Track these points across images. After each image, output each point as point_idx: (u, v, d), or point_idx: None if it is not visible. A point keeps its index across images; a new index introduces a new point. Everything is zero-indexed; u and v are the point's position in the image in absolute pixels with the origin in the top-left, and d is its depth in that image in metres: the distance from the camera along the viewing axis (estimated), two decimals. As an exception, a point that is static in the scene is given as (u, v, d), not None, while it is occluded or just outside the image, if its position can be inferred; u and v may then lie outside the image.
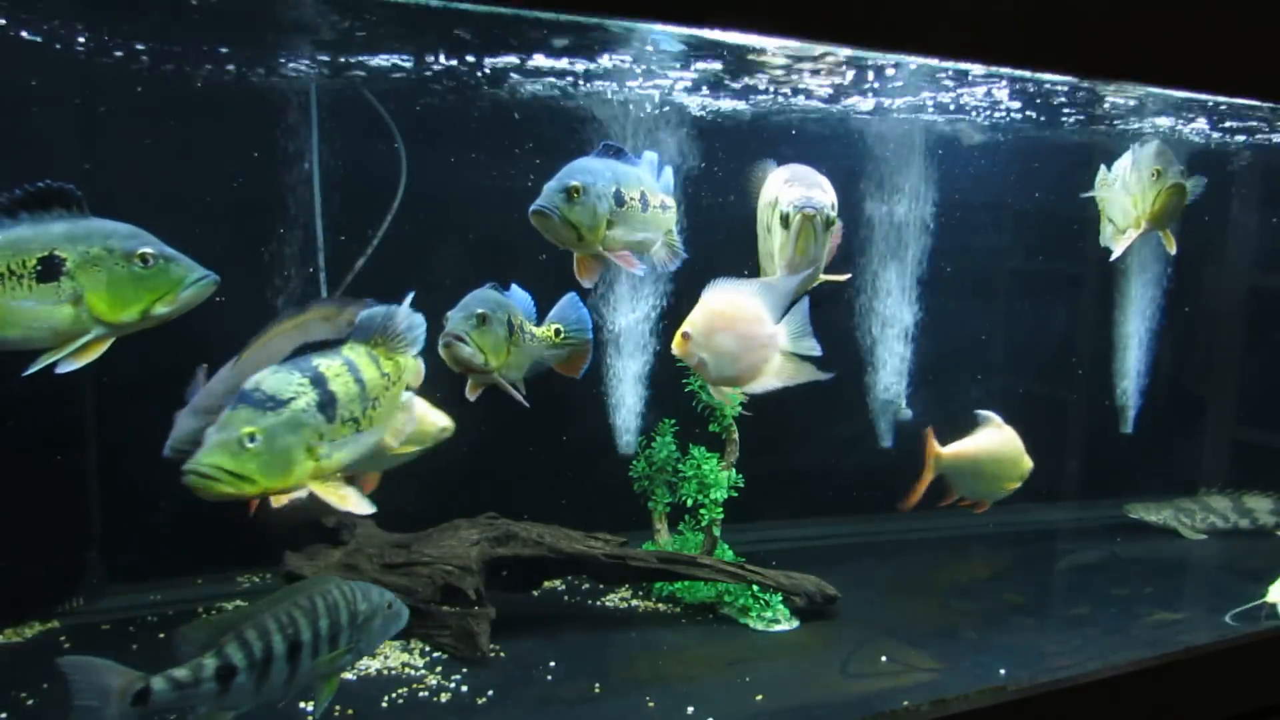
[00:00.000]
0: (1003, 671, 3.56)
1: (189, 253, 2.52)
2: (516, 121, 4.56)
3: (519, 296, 3.42)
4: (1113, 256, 4.50)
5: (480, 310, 3.15)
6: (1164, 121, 5.17)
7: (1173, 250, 4.29)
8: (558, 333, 3.48)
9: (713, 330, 3.25)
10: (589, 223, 3.08)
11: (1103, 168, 4.38)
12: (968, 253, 5.59)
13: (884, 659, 3.72)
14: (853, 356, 5.26)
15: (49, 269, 2.35)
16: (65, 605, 3.93)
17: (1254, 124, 5.27)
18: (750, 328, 3.26)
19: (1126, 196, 4.30)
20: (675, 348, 3.30)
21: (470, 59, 3.93)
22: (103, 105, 3.99)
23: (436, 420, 3.58)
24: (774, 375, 3.29)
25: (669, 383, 4.33)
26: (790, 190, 3.38)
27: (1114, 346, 5.87)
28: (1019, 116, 5.08)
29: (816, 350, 3.30)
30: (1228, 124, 5.20)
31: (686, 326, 3.27)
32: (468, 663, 3.59)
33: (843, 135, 5.11)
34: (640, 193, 3.25)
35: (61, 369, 2.38)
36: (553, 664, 3.61)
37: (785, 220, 3.32)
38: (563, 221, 3.02)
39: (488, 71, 4.07)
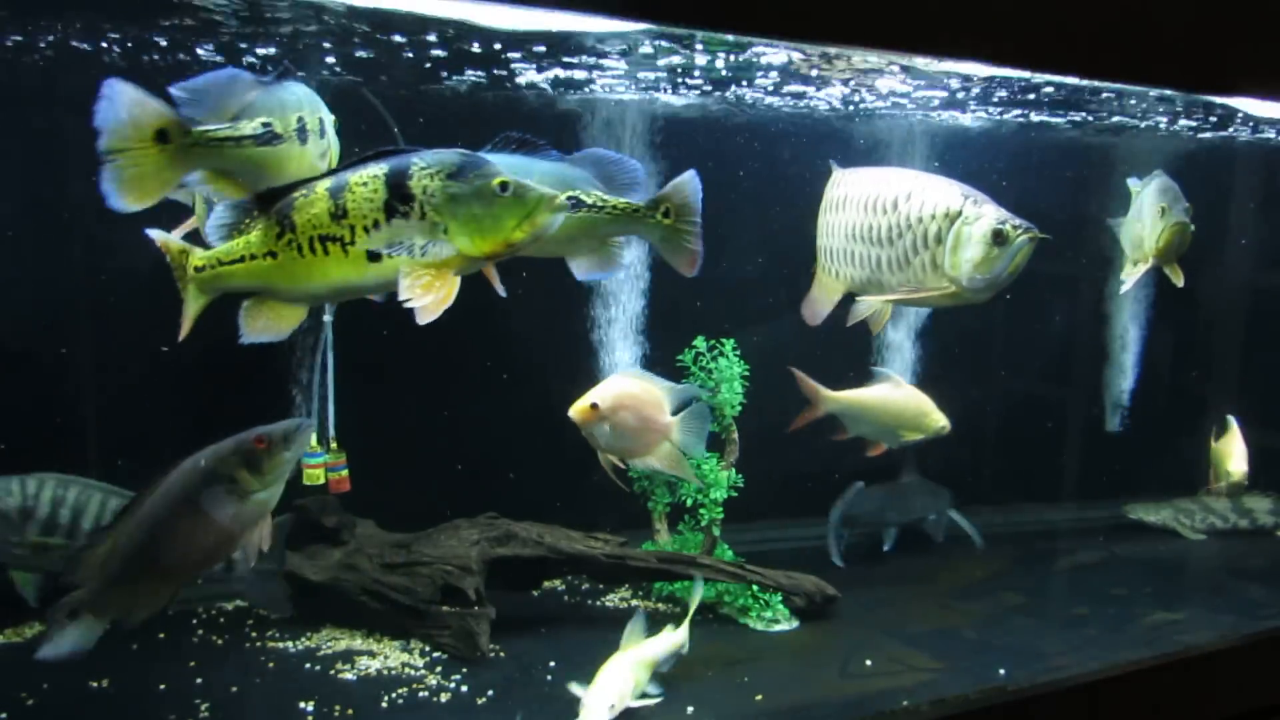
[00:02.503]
0: (1002, 671, 3.56)
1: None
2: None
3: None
4: (1123, 289, 4.58)
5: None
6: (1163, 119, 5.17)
7: (1180, 283, 4.31)
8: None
9: (619, 407, 3.68)
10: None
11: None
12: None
13: (884, 659, 3.72)
14: (854, 357, 5.26)
15: (301, 130, 2.96)
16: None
17: (1251, 121, 5.27)
18: (652, 413, 3.75)
19: (1137, 229, 4.36)
20: (578, 414, 3.64)
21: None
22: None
23: (938, 418, 4.55)
24: (656, 458, 3.79)
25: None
26: (989, 208, 3.39)
27: (1112, 346, 5.87)
28: (1014, 113, 5.09)
29: (701, 454, 3.94)
30: (1221, 120, 5.21)
31: (595, 399, 3.64)
32: (468, 663, 3.59)
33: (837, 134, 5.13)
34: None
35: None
36: (553, 664, 3.61)
37: (1000, 238, 3.31)
38: None
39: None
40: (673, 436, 3.78)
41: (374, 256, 2.62)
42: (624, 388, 3.77)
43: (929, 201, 3.47)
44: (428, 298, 2.54)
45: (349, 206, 2.61)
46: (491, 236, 2.59)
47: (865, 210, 3.62)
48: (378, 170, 2.64)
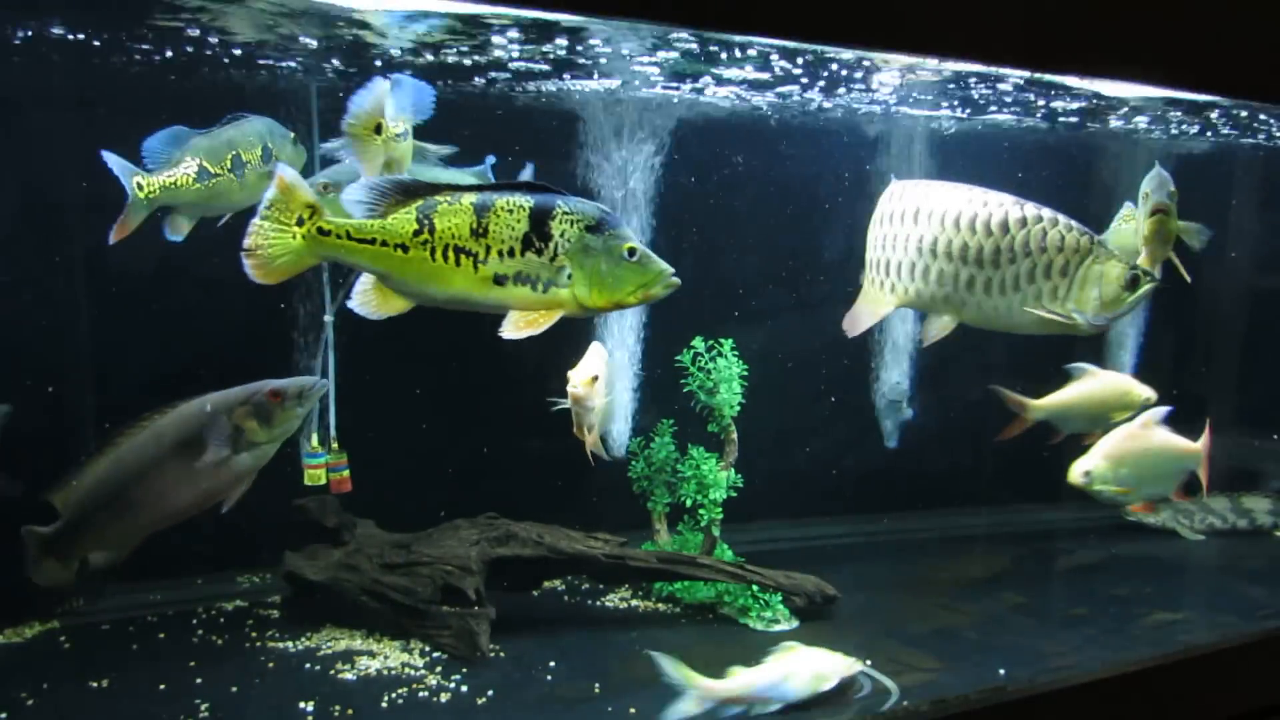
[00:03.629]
0: (1002, 671, 3.56)
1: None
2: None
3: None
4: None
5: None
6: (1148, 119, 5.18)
7: (1188, 279, 4.30)
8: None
9: (602, 379, 3.84)
10: None
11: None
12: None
13: (884, 659, 3.71)
14: (854, 356, 5.26)
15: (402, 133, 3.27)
16: (65, 605, 3.93)
17: (1254, 123, 5.28)
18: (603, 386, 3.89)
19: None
20: (586, 386, 3.75)
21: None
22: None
23: (1141, 390, 4.64)
24: (588, 431, 3.85)
25: (667, 383, 4.34)
26: (1111, 248, 3.49)
27: (1111, 346, 5.87)
28: (1012, 115, 5.09)
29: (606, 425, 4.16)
30: (1223, 120, 5.21)
31: (594, 371, 3.78)
32: (468, 663, 3.59)
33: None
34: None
35: None
36: (553, 664, 3.61)
37: (1135, 284, 3.42)
38: None
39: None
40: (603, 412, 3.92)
41: (499, 281, 2.74)
42: (601, 360, 3.88)
43: (1053, 233, 3.46)
44: (525, 332, 2.72)
45: (490, 227, 2.72)
46: (608, 294, 2.77)
47: (955, 228, 3.56)
48: (524, 202, 2.76)
